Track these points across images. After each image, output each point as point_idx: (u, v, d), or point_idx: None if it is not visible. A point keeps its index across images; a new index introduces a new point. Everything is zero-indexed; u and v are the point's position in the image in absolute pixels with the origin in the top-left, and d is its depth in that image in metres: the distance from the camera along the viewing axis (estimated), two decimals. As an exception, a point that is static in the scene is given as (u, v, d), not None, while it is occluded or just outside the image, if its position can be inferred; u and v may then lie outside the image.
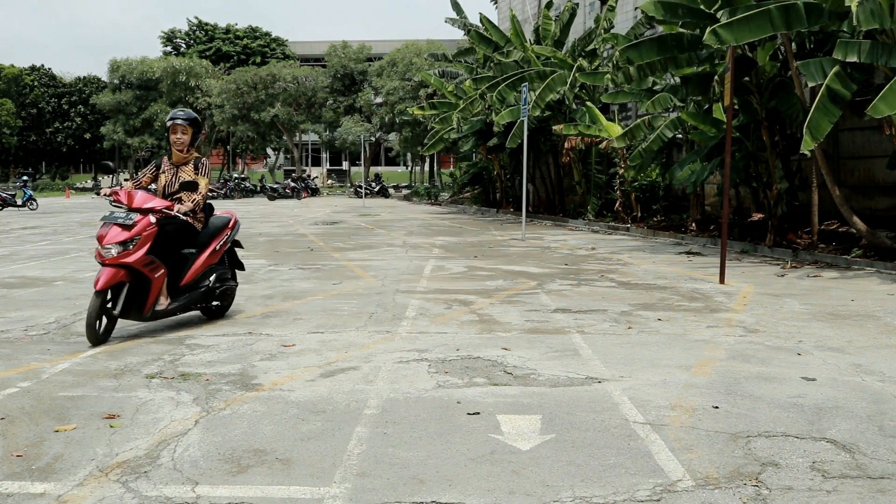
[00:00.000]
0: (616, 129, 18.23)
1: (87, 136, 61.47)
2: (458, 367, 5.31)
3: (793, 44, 12.17)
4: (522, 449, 3.75)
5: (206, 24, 63.51)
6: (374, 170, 54.15)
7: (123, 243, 6.00)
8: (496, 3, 39.84)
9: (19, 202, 31.54)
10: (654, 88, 15.66)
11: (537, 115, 20.21)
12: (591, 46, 20.56)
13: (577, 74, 18.89)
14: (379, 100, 46.32)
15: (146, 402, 4.56)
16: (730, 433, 3.95)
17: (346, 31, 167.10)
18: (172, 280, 6.50)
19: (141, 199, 6.27)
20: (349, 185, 56.81)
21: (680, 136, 16.99)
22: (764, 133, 12.86)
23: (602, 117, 18.96)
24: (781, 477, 3.39)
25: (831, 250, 11.80)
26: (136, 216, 6.11)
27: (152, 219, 6.18)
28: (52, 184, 60.67)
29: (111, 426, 4.12)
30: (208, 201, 6.92)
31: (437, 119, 26.22)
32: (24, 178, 36.10)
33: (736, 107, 12.63)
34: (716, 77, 12.87)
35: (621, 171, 18.74)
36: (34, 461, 3.63)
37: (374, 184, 44.32)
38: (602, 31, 20.05)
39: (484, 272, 10.52)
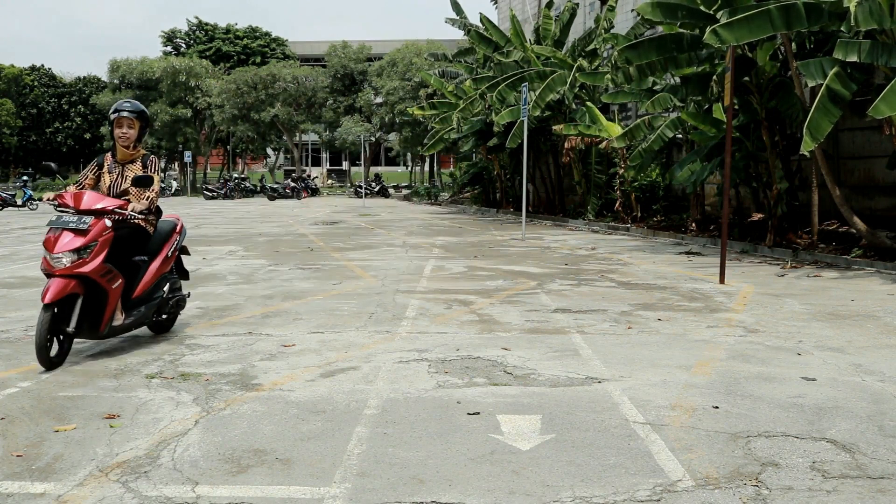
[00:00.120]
0: (616, 129, 18.24)
1: (87, 136, 61.47)
2: (458, 367, 5.31)
3: (793, 44, 12.17)
4: (522, 449, 3.75)
5: (206, 24, 63.47)
6: (374, 170, 54.15)
7: (78, 251, 5.29)
8: (496, 3, 39.84)
9: (19, 202, 31.56)
10: (654, 88, 15.65)
11: (537, 115, 20.21)
12: (591, 46, 20.57)
13: (577, 74, 18.89)
14: (379, 100, 46.30)
15: (146, 402, 4.56)
16: (730, 433, 3.95)
17: (346, 31, 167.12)
18: (124, 291, 5.77)
19: (90, 199, 5.58)
20: (349, 185, 56.80)
21: (680, 136, 16.99)
22: (764, 133, 12.86)
23: (602, 117, 18.97)
24: (781, 477, 3.39)
25: (831, 250, 11.80)
26: (89, 219, 5.43)
27: (108, 222, 5.53)
28: (52, 184, 60.63)
29: (111, 426, 4.12)
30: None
31: (437, 119, 26.23)
32: (24, 178, 36.12)
33: (736, 107, 12.63)
34: (714, 77, 12.87)
35: (621, 171, 18.74)
36: (34, 461, 3.63)
37: (374, 184, 44.32)
38: (602, 31, 20.06)
39: (484, 272, 10.52)
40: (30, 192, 32.32)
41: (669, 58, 12.42)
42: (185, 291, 6.66)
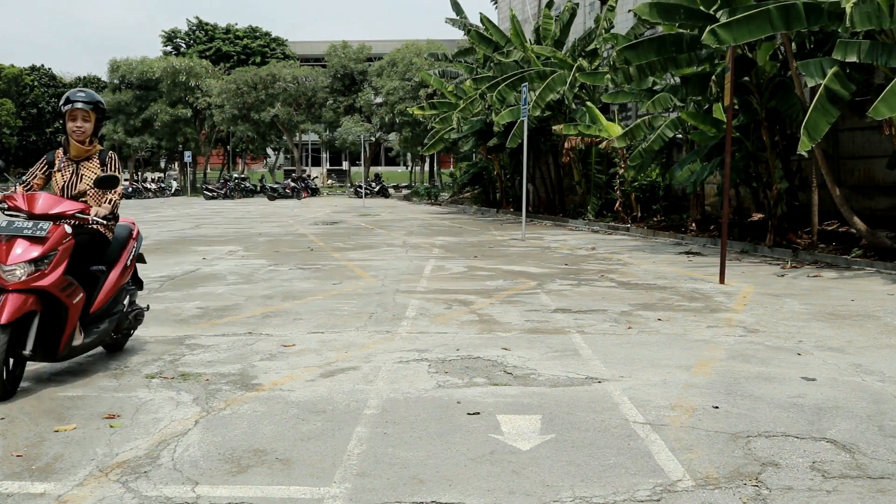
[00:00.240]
0: (616, 129, 18.24)
1: (87, 136, 61.42)
2: (458, 367, 5.31)
3: (793, 44, 12.17)
4: (522, 449, 3.75)
5: (207, 24, 63.50)
6: (374, 170, 54.15)
7: (35, 261, 4.59)
8: (496, 3, 39.85)
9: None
10: (654, 88, 15.66)
11: (537, 115, 20.21)
12: (592, 46, 20.57)
13: (577, 74, 18.89)
14: (379, 100, 46.31)
15: (146, 402, 4.56)
16: (730, 433, 3.95)
17: (346, 31, 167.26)
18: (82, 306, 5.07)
19: (46, 202, 4.88)
20: (349, 185, 56.81)
21: (680, 136, 16.99)
22: (764, 133, 12.86)
23: (602, 117, 18.97)
24: (781, 477, 3.39)
25: (831, 250, 11.80)
26: (47, 225, 4.71)
27: (68, 228, 4.85)
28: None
29: (111, 426, 4.12)
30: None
31: (437, 119, 26.23)
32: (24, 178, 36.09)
33: (736, 107, 12.62)
34: (713, 77, 12.87)
35: (621, 171, 18.74)
36: (34, 461, 3.63)
37: (374, 184, 44.34)
38: (602, 31, 20.07)
39: (484, 272, 10.52)
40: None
41: (669, 58, 12.41)
42: (143, 304, 6.11)
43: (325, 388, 4.81)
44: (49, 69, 63.43)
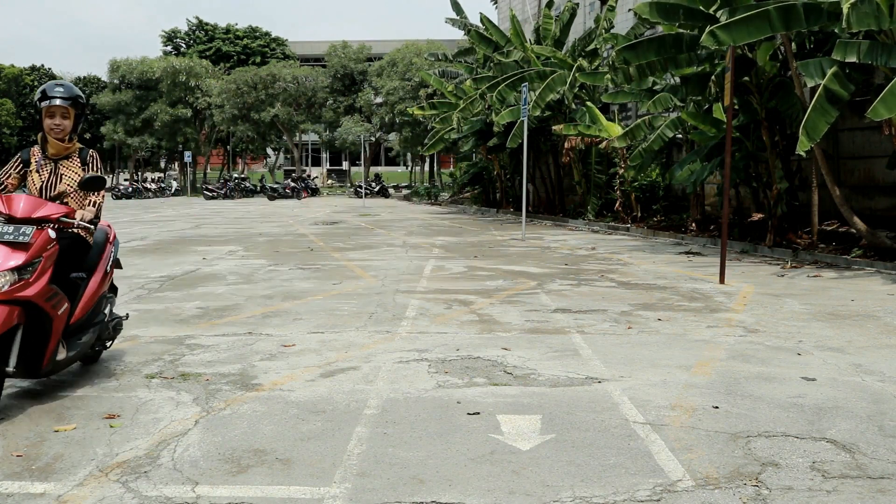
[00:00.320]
0: (616, 129, 18.24)
1: (87, 135, 61.40)
2: (458, 367, 5.31)
3: (793, 44, 12.17)
4: (522, 449, 3.75)
5: (207, 24, 63.49)
6: (374, 170, 54.16)
7: (19, 269, 4.22)
8: (496, 3, 39.85)
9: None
10: (655, 88, 15.66)
11: (537, 115, 20.21)
12: (592, 46, 20.58)
13: (577, 74, 18.90)
14: (379, 100, 46.32)
15: (146, 402, 4.56)
16: (730, 433, 3.95)
17: (346, 31, 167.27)
18: None
19: (28, 204, 4.48)
20: (349, 185, 56.81)
21: (680, 136, 16.99)
22: (764, 133, 12.87)
23: (602, 117, 18.97)
24: (781, 477, 3.39)
25: (831, 250, 11.80)
26: (30, 230, 4.33)
27: (52, 232, 4.49)
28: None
29: (111, 426, 4.12)
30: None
31: (437, 119, 26.24)
32: None
33: (736, 107, 12.63)
34: (713, 77, 12.87)
35: (621, 171, 18.74)
36: (34, 461, 3.63)
37: (374, 184, 44.34)
38: (602, 31, 20.07)
39: (484, 272, 10.52)
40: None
41: (669, 58, 12.41)
42: (122, 313, 5.77)
43: (325, 388, 4.81)
44: (49, 69, 63.43)
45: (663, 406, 4.41)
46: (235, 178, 46.03)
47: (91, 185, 4.74)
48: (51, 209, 4.55)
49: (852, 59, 9.89)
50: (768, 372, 5.15)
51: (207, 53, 60.65)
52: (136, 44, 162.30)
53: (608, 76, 14.62)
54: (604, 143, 18.54)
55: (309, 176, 50.43)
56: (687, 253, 12.97)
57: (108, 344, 5.45)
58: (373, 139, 48.86)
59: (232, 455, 3.69)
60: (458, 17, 24.27)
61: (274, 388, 4.85)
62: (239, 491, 3.29)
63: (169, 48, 63.69)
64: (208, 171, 63.71)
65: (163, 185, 50.64)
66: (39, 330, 4.39)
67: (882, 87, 9.85)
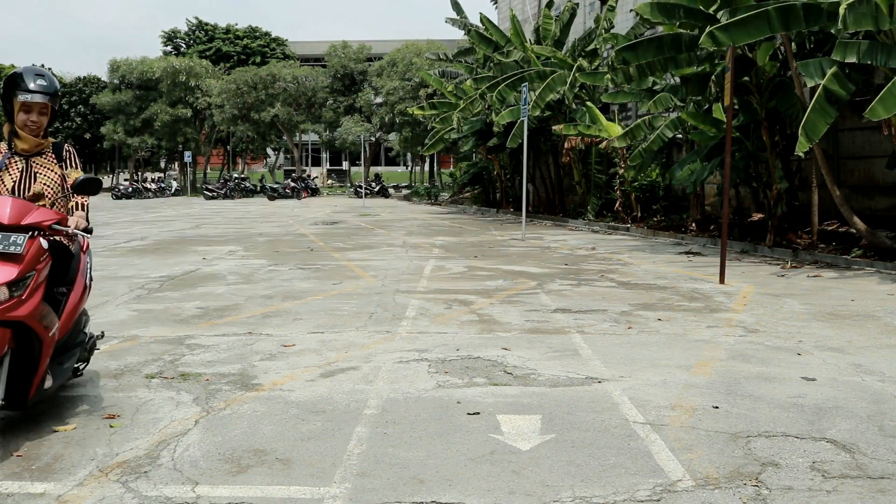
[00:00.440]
0: (616, 129, 18.24)
1: (87, 136, 61.45)
2: (458, 367, 5.31)
3: (793, 44, 12.17)
4: (522, 449, 3.75)
5: (206, 24, 63.50)
6: (374, 170, 54.15)
7: (10, 285, 3.62)
8: (496, 3, 39.85)
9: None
10: (655, 88, 15.66)
11: (537, 115, 20.22)
12: (592, 46, 20.58)
13: (577, 74, 18.90)
14: (379, 100, 46.32)
15: (146, 402, 4.56)
16: (730, 433, 3.95)
17: (346, 31, 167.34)
18: None
19: (16, 209, 3.82)
20: (349, 185, 56.81)
21: (680, 136, 16.99)
22: (764, 133, 12.87)
23: (602, 117, 18.97)
24: (781, 477, 3.39)
25: (831, 250, 11.80)
26: (21, 239, 3.72)
27: (44, 242, 3.95)
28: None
29: (111, 426, 4.12)
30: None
31: (437, 119, 26.24)
32: None
33: (736, 107, 12.63)
34: (713, 77, 12.87)
35: (621, 171, 18.74)
36: (34, 461, 3.63)
37: (374, 184, 44.34)
38: (602, 30, 20.07)
39: (484, 272, 10.52)
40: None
41: (669, 58, 12.41)
42: (96, 332, 5.06)
43: (325, 388, 4.81)
44: (49, 69, 63.34)
45: (663, 406, 4.41)
46: (235, 178, 46.01)
47: (87, 188, 4.14)
48: (42, 215, 3.92)
49: (852, 59, 9.90)
50: (768, 372, 5.15)
51: (207, 53, 60.65)
52: (135, 44, 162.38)
53: (608, 76, 14.63)
54: (604, 143, 18.54)
55: (309, 176, 50.41)
56: (687, 253, 12.97)
57: (81, 368, 4.73)
58: (373, 139, 48.86)
59: (232, 455, 3.69)
60: (458, 17, 24.27)
61: (274, 388, 4.85)
62: (239, 491, 3.29)
63: (169, 48, 63.70)
64: (208, 171, 63.66)
65: (163, 185, 50.61)
66: (28, 355, 3.80)
67: (882, 88, 9.85)
